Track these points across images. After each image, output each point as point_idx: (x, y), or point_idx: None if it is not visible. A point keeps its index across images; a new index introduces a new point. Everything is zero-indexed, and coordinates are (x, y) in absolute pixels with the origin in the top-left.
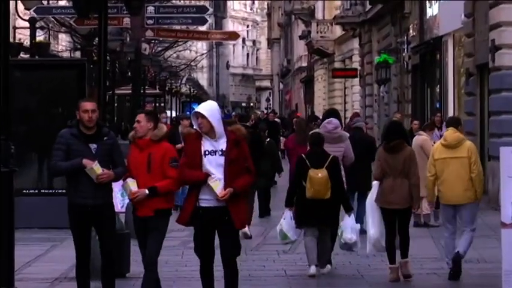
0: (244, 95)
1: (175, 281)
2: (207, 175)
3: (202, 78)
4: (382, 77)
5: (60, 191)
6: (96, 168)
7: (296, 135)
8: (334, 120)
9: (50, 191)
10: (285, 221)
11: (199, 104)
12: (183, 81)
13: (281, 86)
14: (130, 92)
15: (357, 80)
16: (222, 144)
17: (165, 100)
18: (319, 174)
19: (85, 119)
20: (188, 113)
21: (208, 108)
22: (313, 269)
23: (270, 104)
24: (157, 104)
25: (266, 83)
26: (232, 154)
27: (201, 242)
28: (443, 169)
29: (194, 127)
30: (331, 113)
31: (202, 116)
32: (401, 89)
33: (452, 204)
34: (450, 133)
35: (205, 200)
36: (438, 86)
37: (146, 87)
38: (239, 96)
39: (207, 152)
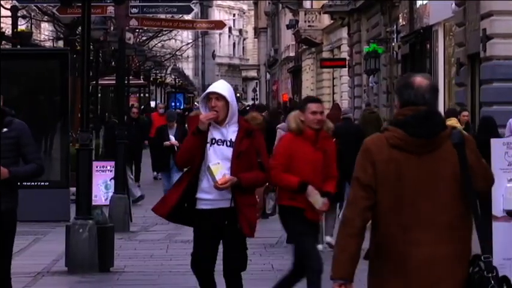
0: (230, 85)
1: (159, 275)
2: (200, 130)
3: (188, 68)
4: (371, 67)
5: (43, 183)
6: None
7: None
8: None
9: (33, 183)
10: None
11: (184, 94)
12: (168, 72)
13: (268, 76)
14: (114, 82)
15: (345, 70)
16: (232, 134)
17: (150, 90)
18: None
19: None
20: (173, 104)
21: (227, 88)
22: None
23: (256, 95)
24: (141, 95)
25: (253, 73)
26: (242, 146)
27: (202, 254)
28: None
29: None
30: (296, 106)
31: (219, 98)
32: (390, 79)
33: None
34: (453, 124)
35: (205, 201)
36: None
37: (130, 77)
38: None
39: (213, 141)
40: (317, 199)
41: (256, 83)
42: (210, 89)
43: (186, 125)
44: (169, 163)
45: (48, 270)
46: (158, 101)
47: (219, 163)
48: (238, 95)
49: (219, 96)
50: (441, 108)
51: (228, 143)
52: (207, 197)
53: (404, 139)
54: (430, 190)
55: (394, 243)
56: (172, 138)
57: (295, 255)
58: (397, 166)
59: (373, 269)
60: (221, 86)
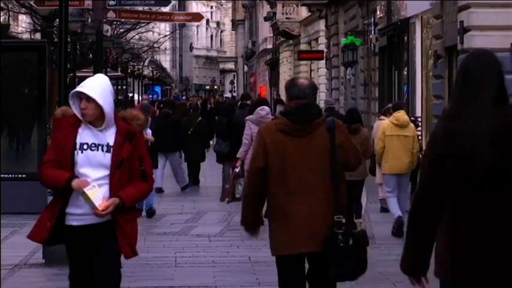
0: (208, 77)
1: (136, 267)
2: (72, 177)
3: (165, 61)
4: (349, 59)
5: (20, 175)
6: None
7: None
8: (266, 108)
9: (10, 175)
10: None
11: (162, 86)
12: (146, 64)
13: (246, 68)
14: (91, 74)
15: (323, 63)
16: (110, 137)
17: (127, 83)
18: None
19: None
20: (151, 96)
21: (99, 87)
22: None
23: (234, 87)
24: (119, 87)
25: (230, 66)
26: (123, 152)
27: (77, 277)
28: (392, 144)
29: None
30: (262, 101)
31: (89, 99)
32: (368, 71)
33: (397, 173)
34: (402, 115)
35: (75, 216)
36: (406, 69)
37: (108, 69)
38: (203, 79)
39: (85, 146)
40: None
41: (234, 75)
42: (80, 87)
43: (51, 126)
44: (156, 158)
45: (26, 263)
46: (134, 93)
47: (94, 186)
48: (215, 87)
49: (89, 98)
50: (418, 99)
51: (105, 148)
52: (78, 212)
53: (287, 125)
54: (308, 163)
55: (280, 205)
56: (148, 132)
57: None
58: (283, 146)
59: (269, 225)
60: (92, 85)
